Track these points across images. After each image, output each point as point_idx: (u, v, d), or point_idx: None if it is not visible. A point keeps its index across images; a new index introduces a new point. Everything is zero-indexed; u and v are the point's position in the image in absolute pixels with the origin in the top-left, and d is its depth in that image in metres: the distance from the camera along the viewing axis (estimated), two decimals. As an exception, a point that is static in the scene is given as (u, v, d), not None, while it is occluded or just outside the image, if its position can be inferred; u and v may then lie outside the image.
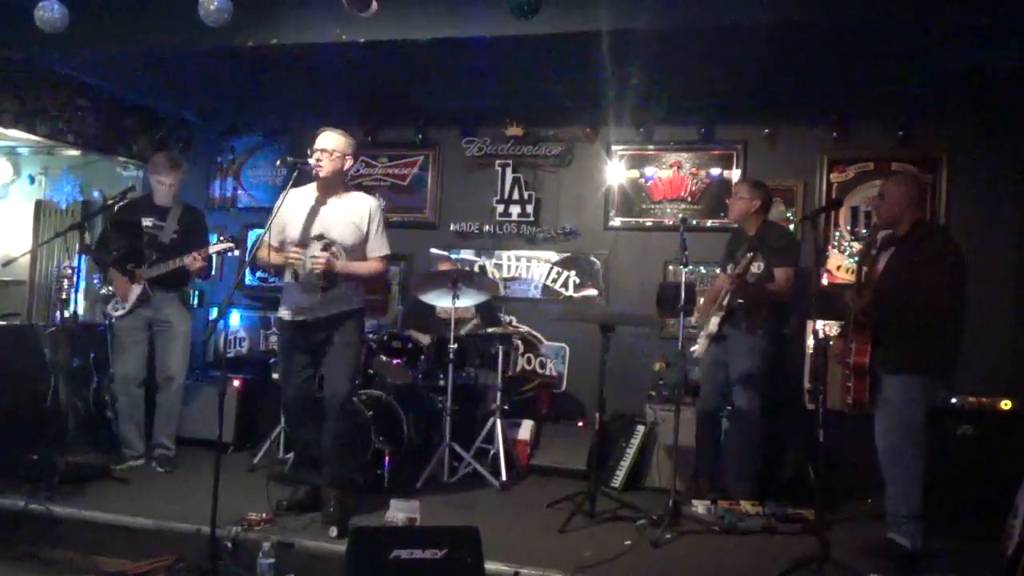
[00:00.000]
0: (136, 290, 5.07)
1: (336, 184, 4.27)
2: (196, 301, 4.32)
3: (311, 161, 4.16)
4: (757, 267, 4.63)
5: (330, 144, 4.21)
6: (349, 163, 4.28)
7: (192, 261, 4.90)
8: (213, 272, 5.34)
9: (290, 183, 4.21)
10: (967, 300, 3.99)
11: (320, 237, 4.17)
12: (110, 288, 5.26)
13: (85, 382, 5.55)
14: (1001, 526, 3.93)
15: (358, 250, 4.26)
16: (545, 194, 6.19)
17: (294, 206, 4.25)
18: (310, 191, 4.32)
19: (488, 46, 4.68)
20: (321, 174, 4.19)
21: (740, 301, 4.70)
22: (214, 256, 5.08)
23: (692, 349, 4.79)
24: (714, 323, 4.81)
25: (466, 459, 5.16)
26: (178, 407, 5.24)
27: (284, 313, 4.30)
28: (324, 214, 4.22)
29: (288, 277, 4.26)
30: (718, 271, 5.09)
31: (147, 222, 5.15)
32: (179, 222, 5.18)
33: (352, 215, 4.25)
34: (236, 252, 5.24)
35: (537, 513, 4.56)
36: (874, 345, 3.92)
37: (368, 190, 6.15)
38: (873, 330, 3.93)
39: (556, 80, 5.33)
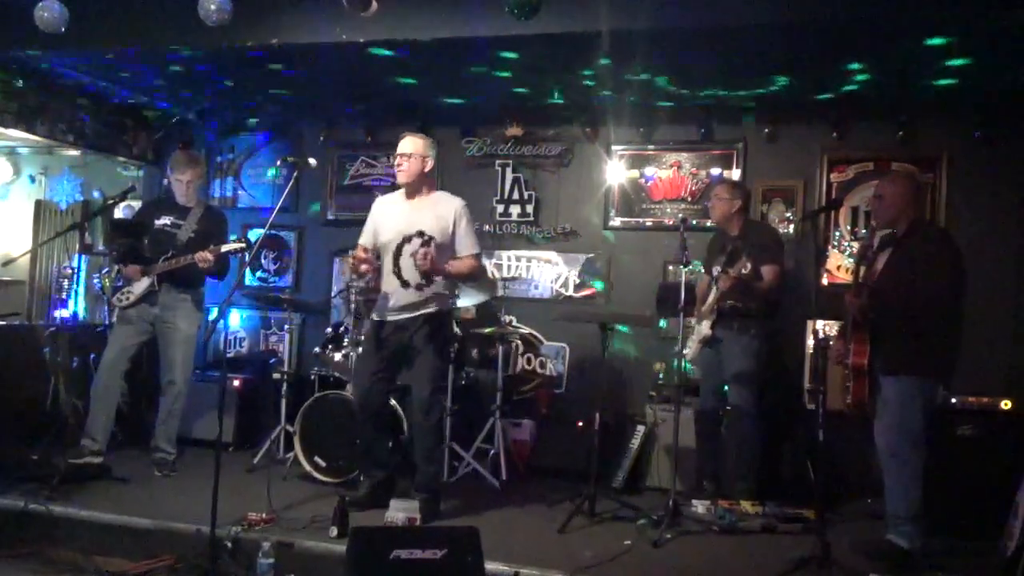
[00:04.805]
0: (144, 283, 4.99)
1: (420, 185, 4.36)
2: (215, 314, 4.25)
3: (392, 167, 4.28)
4: (745, 267, 4.64)
5: (409, 148, 4.32)
6: (430, 164, 4.35)
7: (202, 258, 4.83)
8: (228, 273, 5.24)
9: (291, 183, 4.21)
10: (966, 300, 3.98)
11: (420, 234, 4.22)
12: (119, 277, 5.20)
13: (85, 382, 5.55)
14: (1001, 526, 3.93)
15: (446, 250, 4.28)
16: (545, 194, 6.19)
17: (384, 211, 4.40)
18: (398, 196, 4.43)
19: (488, 46, 4.67)
20: (401, 179, 4.34)
21: (730, 302, 4.71)
22: (236, 256, 5.00)
23: (684, 353, 4.80)
24: (706, 326, 4.82)
25: (466, 459, 5.17)
26: (178, 412, 5.12)
27: (374, 314, 4.38)
28: (413, 215, 4.30)
29: (387, 277, 4.32)
30: (702, 271, 5.11)
31: (164, 221, 5.11)
32: (199, 222, 5.12)
33: (440, 213, 4.30)
34: (247, 253, 5.11)
35: (537, 513, 4.56)
36: (873, 345, 3.92)
37: (368, 190, 6.17)
38: (872, 330, 3.93)
39: (556, 80, 5.32)
